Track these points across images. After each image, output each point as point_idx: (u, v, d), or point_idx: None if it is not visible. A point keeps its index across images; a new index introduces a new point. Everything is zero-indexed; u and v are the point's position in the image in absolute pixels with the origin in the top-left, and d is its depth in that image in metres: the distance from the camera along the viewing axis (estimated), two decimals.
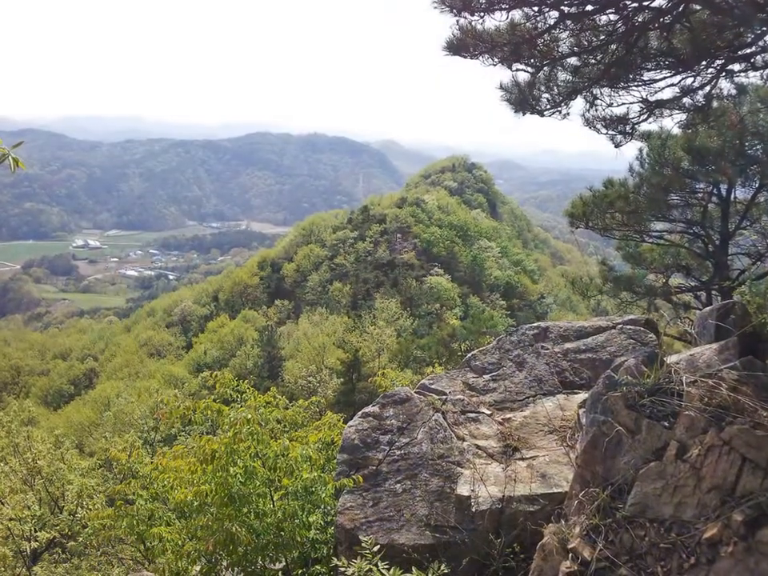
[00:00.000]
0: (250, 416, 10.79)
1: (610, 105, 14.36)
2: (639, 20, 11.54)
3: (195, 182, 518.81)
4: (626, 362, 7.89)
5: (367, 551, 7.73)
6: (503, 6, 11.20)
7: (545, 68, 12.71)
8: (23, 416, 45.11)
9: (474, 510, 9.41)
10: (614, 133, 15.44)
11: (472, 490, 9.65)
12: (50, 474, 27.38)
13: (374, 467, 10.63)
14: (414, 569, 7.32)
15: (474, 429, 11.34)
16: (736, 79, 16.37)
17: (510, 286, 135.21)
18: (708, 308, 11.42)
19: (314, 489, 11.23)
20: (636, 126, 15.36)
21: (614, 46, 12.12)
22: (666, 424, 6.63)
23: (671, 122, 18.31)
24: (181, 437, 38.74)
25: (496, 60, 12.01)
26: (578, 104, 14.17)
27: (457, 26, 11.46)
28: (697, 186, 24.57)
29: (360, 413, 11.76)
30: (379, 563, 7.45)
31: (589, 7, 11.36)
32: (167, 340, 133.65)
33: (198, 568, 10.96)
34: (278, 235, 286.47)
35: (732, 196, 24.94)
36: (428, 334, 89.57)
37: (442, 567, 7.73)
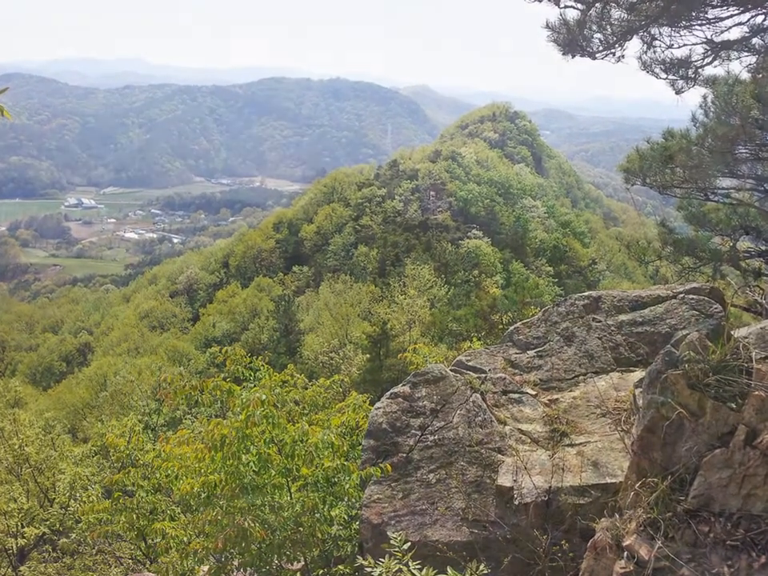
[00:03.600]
0: (264, 397, 10.80)
1: (670, 46, 14.25)
2: None
3: (203, 133, 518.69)
4: (689, 335, 7.84)
5: (396, 549, 7.75)
6: None
7: (597, 5, 12.62)
8: (9, 397, 45.49)
9: (516, 502, 9.43)
10: (675, 78, 15.34)
11: (515, 480, 9.66)
12: (39, 462, 27.51)
13: (405, 454, 10.65)
14: (449, 569, 7.32)
15: (516, 411, 11.35)
16: None
17: (557, 250, 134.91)
18: None
19: (336, 479, 11.27)
20: (699, 70, 15.26)
21: None
22: (734, 406, 6.60)
23: (739, 66, 18.10)
24: (186, 420, 38.99)
25: None
26: (634, 45, 14.06)
27: None
28: None
29: (388, 393, 11.78)
30: (410, 562, 7.45)
31: None
32: (171, 311, 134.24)
33: (205, 568, 11.03)
34: (296, 193, 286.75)
35: None
36: (465, 304, 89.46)
37: (481, 567, 7.70)
